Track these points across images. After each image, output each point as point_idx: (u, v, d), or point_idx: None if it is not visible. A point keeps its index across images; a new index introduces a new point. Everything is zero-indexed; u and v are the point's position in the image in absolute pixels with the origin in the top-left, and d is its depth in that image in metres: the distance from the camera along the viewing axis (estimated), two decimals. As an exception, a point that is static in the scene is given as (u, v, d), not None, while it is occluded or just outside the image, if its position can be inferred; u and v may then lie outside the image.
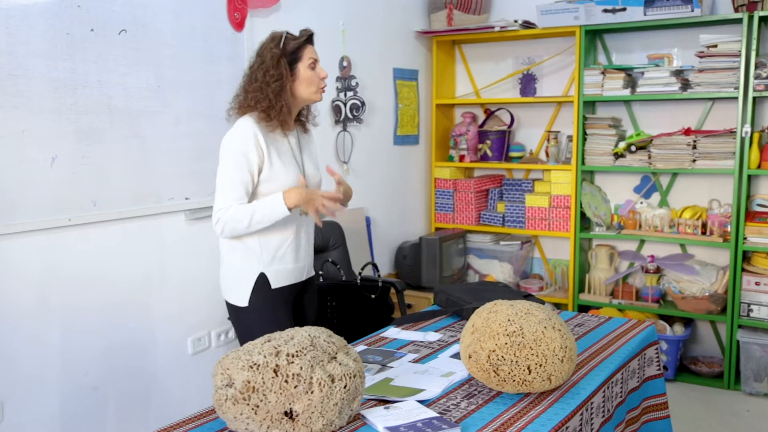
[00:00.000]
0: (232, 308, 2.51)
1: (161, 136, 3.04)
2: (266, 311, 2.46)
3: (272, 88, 2.37)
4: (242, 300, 2.46)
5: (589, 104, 4.49)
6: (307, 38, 2.45)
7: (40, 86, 2.58)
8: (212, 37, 3.25)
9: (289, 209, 2.34)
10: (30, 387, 2.63)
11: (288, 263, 2.50)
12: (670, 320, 4.34)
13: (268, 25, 3.52)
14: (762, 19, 3.86)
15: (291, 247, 2.49)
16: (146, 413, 3.08)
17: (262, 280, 2.45)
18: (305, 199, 2.35)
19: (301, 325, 2.54)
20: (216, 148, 3.22)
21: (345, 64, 4.10)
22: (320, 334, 1.72)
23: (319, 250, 3.60)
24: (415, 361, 2.21)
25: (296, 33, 2.48)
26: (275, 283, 2.47)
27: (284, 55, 2.39)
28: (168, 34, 3.04)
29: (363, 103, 4.20)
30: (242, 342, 2.50)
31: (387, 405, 1.84)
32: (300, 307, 2.65)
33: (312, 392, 1.58)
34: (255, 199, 2.40)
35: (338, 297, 3.43)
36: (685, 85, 4.15)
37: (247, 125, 2.37)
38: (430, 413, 1.77)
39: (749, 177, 4.06)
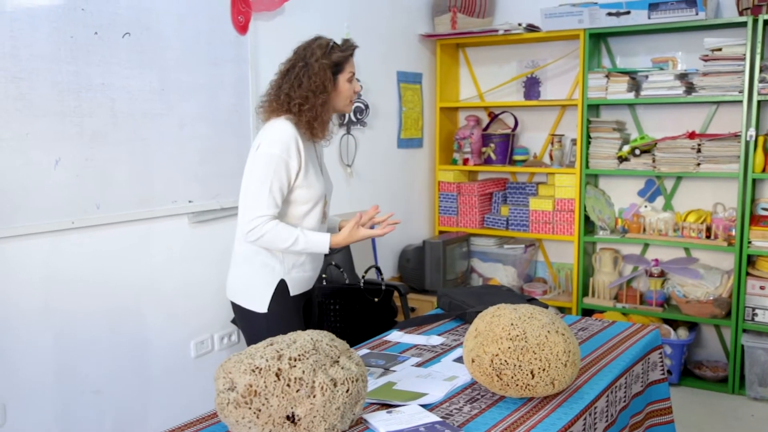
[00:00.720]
0: (246, 313, 2.47)
1: (165, 139, 3.04)
2: (285, 318, 2.45)
3: (319, 100, 2.36)
4: (261, 306, 2.44)
5: (594, 108, 4.48)
6: (353, 52, 2.46)
7: (44, 89, 2.58)
8: (216, 40, 3.25)
9: (331, 250, 2.42)
10: (32, 390, 2.63)
11: (307, 271, 2.51)
12: (674, 324, 4.33)
13: (272, 29, 3.53)
14: (767, 22, 3.85)
15: (310, 255, 2.50)
16: (148, 416, 3.07)
17: (282, 287, 2.45)
18: (350, 240, 2.44)
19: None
20: (220, 150, 3.26)
21: (349, 67, 4.09)
22: (322, 337, 1.71)
23: (323, 256, 3.60)
24: (418, 364, 2.20)
25: (338, 41, 2.47)
26: (294, 290, 2.48)
27: (330, 65, 2.38)
28: (172, 38, 3.04)
29: (367, 107, 4.20)
30: None
31: (389, 409, 1.83)
32: (305, 313, 2.65)
33: (314, 396, 1.58)
34: (294, 205, 2.41)
35: (341, 300, 3.43)
36: (690, 88, 4.14)
37: (289, 130, 2.34)
38: (432, 417, 1.77)
39: (754, 181, 4.04)
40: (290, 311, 2.48)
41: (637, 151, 4.30)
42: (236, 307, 2.52)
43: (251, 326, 2.49)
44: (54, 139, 2.63)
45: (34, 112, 2.56)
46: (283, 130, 2.34)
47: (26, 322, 2.60)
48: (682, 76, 4.15)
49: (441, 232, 4.93)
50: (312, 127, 2.37)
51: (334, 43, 2.43)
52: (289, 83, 2.38)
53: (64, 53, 2.64)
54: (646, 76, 4.25)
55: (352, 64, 2.45)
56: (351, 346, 2.18)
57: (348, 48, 2.44)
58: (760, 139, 3.95)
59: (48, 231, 2.63)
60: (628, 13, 4.12)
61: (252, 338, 2.49)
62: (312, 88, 2.36)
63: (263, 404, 1.56)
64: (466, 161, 4.87)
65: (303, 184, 2.38)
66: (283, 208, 2.39)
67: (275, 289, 2.43)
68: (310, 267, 2.53)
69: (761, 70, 3.87)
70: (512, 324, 1.88)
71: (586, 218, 4.51)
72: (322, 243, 2.39)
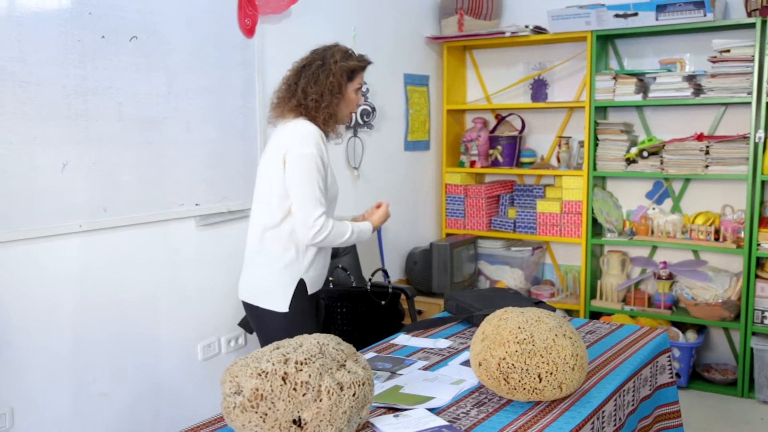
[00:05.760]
0: (264, 314, 2.51)
1: (172, 142, 3.05)
2: (304, 317, 2.51)
3: (335, 99, 2.45)
4: (282, 306, 2.48)
5: (601, 110, 4.47)
6: (366, 65, 2.58)
7: (51, 93, 2.59)
8: (223, 43, 3.26)
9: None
10: (39, 393, 2.64)
11: (319, 268, 2.57)
12: (682, 327, 4.31)
13: (278, 32, 3.53)
14: (775, 23, 3.83)
15: (321, 253, 2.57)
16: (155, 419, 3.07)
17: (301, 286, 2.50)
18: (384, 219, 2.68)
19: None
20: (226, 153, 3.27)
21: (355, 69, 4.09)
22: (329, 341, 1.71)
23: (330, 256, 3.60)
24: (425, 368, 2.20)
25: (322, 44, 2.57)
26: (311, 289, 2.55)
27: (347, 70, 2.48)
28: (179, 41, 3.05)
29: (374, 109, 4.20)
30: None
31: (396, 413, 1.83)
32: (329, 314, 2.73)
33: (320, 400, 1.57)
34: None
35: (348, 303, 3.42)
36: (698, 90, 4.12)
37: (316, 130, 2.43)
38: (439, 421, 1.76)
39: (763, 183, 4.02)
40: (308, 310, 2.54)
41: (645, 153, 4.28)
42: (254, 309, 2.54)
43: (269, 327, 2.52)
44: (61, 143, 2.63)
45: (42, 116, 2.57)
46: (311, 129, 2.42)
47: (33, 325, 2.60)
48: (690, 78, 4.13)
49: (448, 235, 4.92)
50: (328, 124, 2.46)
51: (353, 51, 2.54)
52: (306, 79, 2.46)
53: (72, 57, 2.65)
54: (654, 78, 4.24)
55: (362, 77, 2.57)
56: (358, 349, 2.17)
57: (363, 60, 2.56)
58: (769, 141, 3.93)
59: (56, 234, 2.64)
60: (635, 14, 4.11)
61: (269, 340, 2.47)
62: (329, 87, 2.43)
63: (270, 408, 1.55)
64: (473, 164, 4.86)
65: (329, 181, 2.47)
66: None
67: (295, 288, 2.48)
68: (322, 264, 2.59)
69: (770, 72, 3.86)
70: (519, 327, 1.88)
71: (594, 220, 4.50)
72: (367, 228, 2.59)
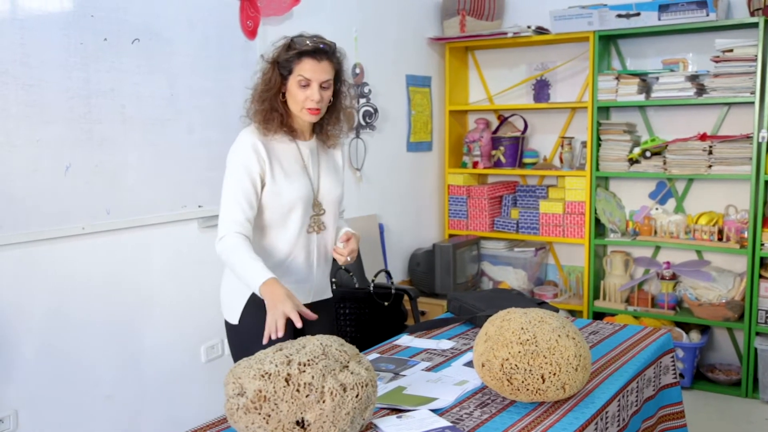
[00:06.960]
0: (225, 324, 2.39)
1: (174, 144, 3.05)
2: (256, 331, 2.21)
3: (260, 95, 2.27)
4: (234, 317, 2.34)
5: (604, 110, 4.47)
6: (305, 53, 2.22)
7: (54, 96, 2.60)
8: (225, 45, 3.26)
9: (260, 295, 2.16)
10: (44, 396, 2.64)
11: (288, 282, 2.27)
12: (686, 327, 4.30)
13: (280, 33, 3.49)
14: (778, 23, 3.82)
15: (294, 265, 2.33)
16: (159, 421, 3.08)
17: (255, 299, 2.23)
18: (272, 303, 2.06)
19: None
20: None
21: (358, 71, 4.10)
22: (332, 342, 1.71)
23: (330, 264, 3.59)
24: (428, 369, 2.20)
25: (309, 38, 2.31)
26: None
27: (277, 63, 2.26)
28: (181, 43, 3.05)
29: (376, 110, 4.20)
30: (235, 360, 2.32)
31: (399, 414, 1.83)
32: (302, 332, 2.33)
33: (324, 401, 1.57)
34: (263, 211, 2.29)
35: (351, 305, 3.42)
36: (701, 90, 4.11)
37: (247, 137, 2.27)
38: (442, 422, 1.76)
39: (766, 182, 4.01)
40: (263, 326, 2.19)
41: (648, 153, 4.28)
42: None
43: (229, 338, 2.39)
44: (64, 145, 2.64)
45: (45, 119, 2.57)
46: (240, 138, 2.29)
47: (37, 327, 2.61)
48: (693, 78, 4.12)
49: (451, 236, 4.92)
50: (263, 121, 2.26)
51: (292, 42, 2.26)
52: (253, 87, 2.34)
53: (74, 60, 2.65)
54: (657, 78, 4.23)
55: (308, 67, 2.21)
56: (361, 350, 2.17)
57: (295, 47, 2.23)
58: (772, 141, 3.92)
59: (59, 237, 2.64)
60: (638, 14, 4.10)
61: (232, 350, 2.39)
62: (257, 86, 2.29)
63: (273, 410, 1.55)
64: (475, 164, 4.86)
65: (272, 190, 2.26)
66: (258, 214, 2.28)
67: (248, 300, 2.30)
68: (293, 279, 2.33)
69: (773, 71, 3.85)
70: (522, 328, 1.88)
71: (597, 221, 4.49)
72: (256, 280, 2.11)
